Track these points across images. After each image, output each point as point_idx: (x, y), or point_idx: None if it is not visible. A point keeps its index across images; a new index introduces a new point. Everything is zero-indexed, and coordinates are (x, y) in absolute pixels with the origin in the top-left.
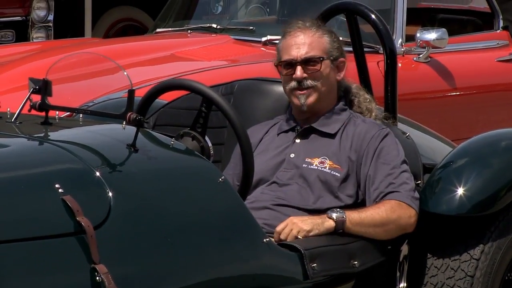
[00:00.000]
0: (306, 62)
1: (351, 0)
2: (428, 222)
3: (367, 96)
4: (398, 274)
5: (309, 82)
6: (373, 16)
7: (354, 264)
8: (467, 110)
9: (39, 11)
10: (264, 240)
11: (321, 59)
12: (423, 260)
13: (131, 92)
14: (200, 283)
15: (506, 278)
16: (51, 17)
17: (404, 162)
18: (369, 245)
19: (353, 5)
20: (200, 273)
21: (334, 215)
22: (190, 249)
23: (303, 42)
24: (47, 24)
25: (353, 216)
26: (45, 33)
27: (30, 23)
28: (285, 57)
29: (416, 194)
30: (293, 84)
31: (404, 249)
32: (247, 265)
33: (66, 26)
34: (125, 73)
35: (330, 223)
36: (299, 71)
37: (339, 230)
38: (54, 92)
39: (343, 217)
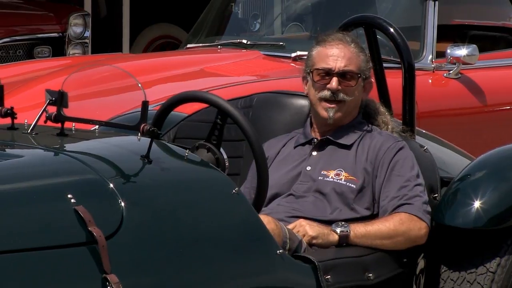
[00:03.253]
0: (343, 75)
1: (370, 14)
2: (444, 235)
3: (382, 109)
4: (414, 287)
5: (342, 96)
6: (391, 29)
7: (369, 276)
8: (498, 127)
9: (75, 28)
10: (278, 252)
11: (358, 75)
12: (440, 273)
13: (144, 104)
14: None
15: None
16: (87, 34)
17: (418, 175)
18: (384, 257)
19: (372, 18)
20: (213, 285)
21: (338, 230)
22: (203, 261)
23: (342, 55)
24: (83, 41)
25: (358, 230)
26: (81, 50)
27: (66, 40)
28: (322, 65)
29: (429, 208)
30: (326, 93)
31: (421, 262)
32: (261, 277)
33: (105, 43)
34: (139, 84)
35: (334, 237)
36: (335, 82)
37: (343, 244)
38: (81, 106)
39: (347, 231)
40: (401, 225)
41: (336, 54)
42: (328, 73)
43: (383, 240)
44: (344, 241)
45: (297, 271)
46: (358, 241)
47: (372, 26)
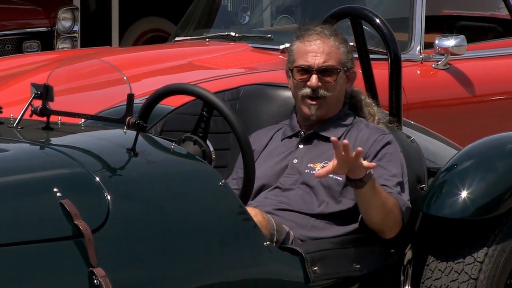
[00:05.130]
0: (323, 71)
1: (356, 5)
2: (432, 225)
3: (369, 100)
4: (402, 277)
5: (322, 92)
6: (377, 20)
7: (357, 267)
8: (487, 117)
9: (64, 22)
10: (265, 244)
11: (338, 71)
12: (427, 263)
13: (130, 97)
14: (200, 287)
15: (510, 281)
16: (76, 28)
17: (403, 174)
18: (372, 248)
19: (358, 9)
20: (200, 278)
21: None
22: (190, 254)
23: (321, 51)
24: (72, 35)
25: (377, 184)
26: (70, 44)
27: (55, 34)
28: (301, 62)
29: (408, 208)
30: (307, 91)
31: (408, 252)
32: (248, 269)
33: (94, 37)
34: (125, 77)
35: (362, 171)
36: (314, 80)
37: (363, 183)
38: (68, 100)
39: (372, 177)
40: (395, 206)
41: (314, 50)
42: (308, 71)
43: (383, 210)
44: (366, 181)
45: (284, 263)
46: (370, 193)
47: (358, 17)
